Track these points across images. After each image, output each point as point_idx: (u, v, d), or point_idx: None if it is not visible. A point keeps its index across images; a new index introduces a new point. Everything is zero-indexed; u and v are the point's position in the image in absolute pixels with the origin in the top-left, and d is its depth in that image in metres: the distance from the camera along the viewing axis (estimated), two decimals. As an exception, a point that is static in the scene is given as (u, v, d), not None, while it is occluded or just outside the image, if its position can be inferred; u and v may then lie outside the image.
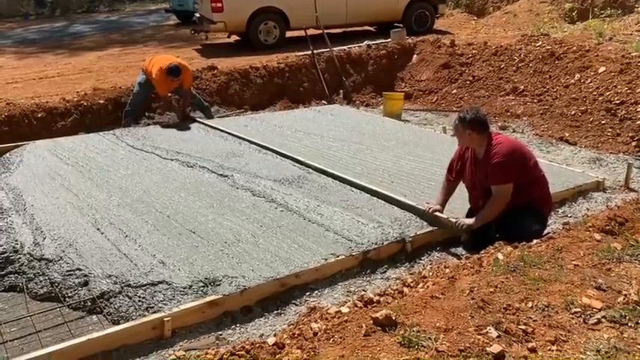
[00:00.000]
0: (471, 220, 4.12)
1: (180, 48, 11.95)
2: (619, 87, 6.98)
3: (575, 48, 7.96)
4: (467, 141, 4.13)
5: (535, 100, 7.76)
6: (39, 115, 7.23)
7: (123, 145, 6.56)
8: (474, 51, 9.16)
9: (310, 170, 5.55)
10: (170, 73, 7.07)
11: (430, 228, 4.33)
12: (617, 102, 6.84)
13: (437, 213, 4.33)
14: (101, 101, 7.65)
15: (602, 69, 7.34)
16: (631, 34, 9.00)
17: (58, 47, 12.87)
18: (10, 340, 3.23)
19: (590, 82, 7.32)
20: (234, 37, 12.27)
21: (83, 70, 10.02)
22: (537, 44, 8.52)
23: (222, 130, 6.95)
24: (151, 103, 7.78)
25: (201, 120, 7.50)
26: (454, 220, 4.20)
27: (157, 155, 6.15)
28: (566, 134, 6.91)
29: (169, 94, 7.69)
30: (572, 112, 7.18)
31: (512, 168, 3.95)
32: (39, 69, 10.29)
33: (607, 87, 7.09)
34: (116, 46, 12.64)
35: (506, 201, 3.98)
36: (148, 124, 7.49)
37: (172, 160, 5.98)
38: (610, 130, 6.68)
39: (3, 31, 16.52)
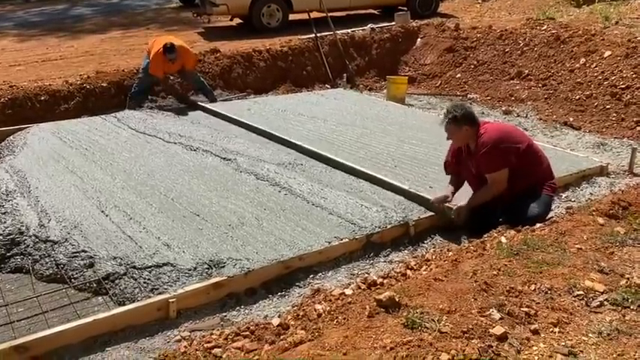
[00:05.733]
0: (463, 202, 4.13)
1: (182, 31, 11.86)
2: (624, 71, 6.93)
3: (580, 32, 7.89)
4: (464, 137, 4.05)
5: (540, 85, 7.72)
6: (42, 98, 7.21)
7: (125, 128, 6.56)
8: (478, 35, 9.09)
9: (312, 153, 5.54)
10: (166, 52, 7.08)
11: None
12: (623, 86, 6.80)
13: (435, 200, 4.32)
14: (104, 84, 7.63)
15: (607, 53, 7.29)
16: (637, 18, 8.90)
17: (60, 30, 12.79)
18: (17, 320, 3.27)
19: (596, 67, 7.27)
20: (236, 20, 12.17)
21: (86, 53, 9.98)
22: (542, 28, 8.45)
23: (224, 116, 6.93)
24: (153, 86, 7.77)
25: (203, 104, 7.49)
26: (452, 206, 4.19)
27: (160, 139, 6.15)
28: (571, 119, 6.88)
29: (170, 77, 7.70)
30: (577, 97, 7.14)
31: (500, 156, 3.92)
32: (41, 52, 10.25)
33: (612, 71, 7.04)
34: (118, 29, 12.56)
35: (502, 187, 3.97)
36: (151, 108, 7.47)
37: (175, 143, 5.99)
38: (615, 114, 6.65)
39: (4, 13, 16.42)
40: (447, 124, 4.04)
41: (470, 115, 4.02)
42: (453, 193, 4.28)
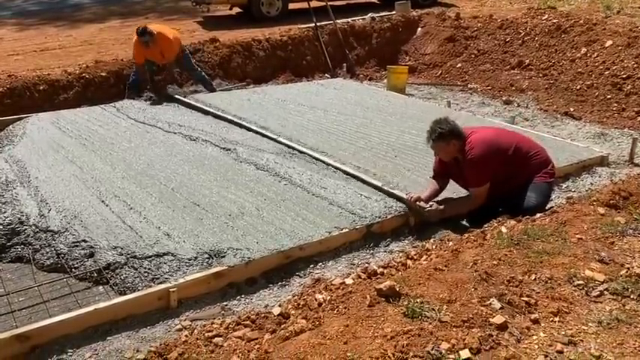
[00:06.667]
0: (442, 206, 4.10)
1: (181, 20, 11.82)
2: (626, 61, 6.90)
3: (582, 21, 7.85)
4: (452, 152, 4.03)
5: (540, 75, 7.69)
6: (41, 88, 7.19)
7: (125, 117, 6.54)
8: (479, 24, 9.04)
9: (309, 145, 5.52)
10: (139, 34, 6.94)
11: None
12: (624, 76, 6.78)
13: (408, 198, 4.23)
14: (103, 74, 7.60)
15: (608, 43, 7.26)
16: (639, 7, 8.87)
17: (59, 19, 12.73)
18: (18, 310, 3.28)
19: (597, 56, 7.24)
20: (236, 10, 12.12)
21: (84, 43, 9.94)
22: (544, 17, 8.41)
23: (214, 114, 6.71)
24: (153, 76, 7.73)
25: (177, 97, 7.29)
26: (426, 206, 4.10)
27: (160, 128, 6.13)
28: (571, 109, 6.87)
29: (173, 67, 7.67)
30: (578, 87, 7.12)
31: (488, 169, 3.94)
32: (40, 41, 10.20)
33: (613, 61, 7.02)
34: (117, 18, 12.50)
35: (481, 202, 4.02)
36: (150, 97, 7.45)
37: (175, 133, 5.97)
38: (615, 104, 6.64)
39: (2, 2, 16.31)
40: (434, 142, 4.01)
41: (455, 128, 4.00)
42: (430, 198, 4.16)
